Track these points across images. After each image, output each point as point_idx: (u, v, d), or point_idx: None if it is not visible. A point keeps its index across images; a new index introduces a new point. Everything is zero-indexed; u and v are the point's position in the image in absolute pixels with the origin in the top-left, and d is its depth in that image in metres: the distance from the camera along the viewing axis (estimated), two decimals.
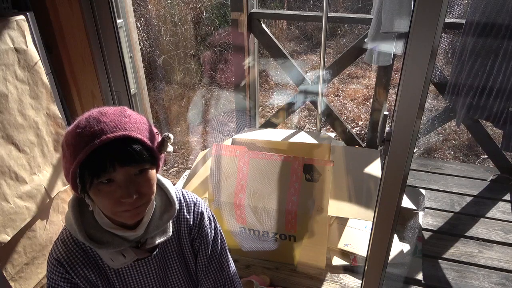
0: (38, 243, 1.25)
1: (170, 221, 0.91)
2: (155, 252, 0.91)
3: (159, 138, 0.82)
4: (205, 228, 0.98)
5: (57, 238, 0.88)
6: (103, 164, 0.72)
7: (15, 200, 1.13)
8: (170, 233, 0.91)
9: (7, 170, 1.10)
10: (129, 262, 0.86)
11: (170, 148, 0.82)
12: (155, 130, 0.83)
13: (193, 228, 0.96)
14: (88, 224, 0.83)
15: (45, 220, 1.29)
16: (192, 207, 0.97)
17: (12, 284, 1.15)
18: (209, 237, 0.99)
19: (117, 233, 0.83)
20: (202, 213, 0.98)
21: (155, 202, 0.89)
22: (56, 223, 1.34)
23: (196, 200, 0.98)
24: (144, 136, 0.77)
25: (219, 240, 1.02)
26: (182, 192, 0.98)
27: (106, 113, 0.76)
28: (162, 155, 0.83)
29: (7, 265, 1.13)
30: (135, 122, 0.78)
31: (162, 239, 0.89)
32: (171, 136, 0.82)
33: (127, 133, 0.74)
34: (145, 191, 0.79)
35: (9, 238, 1.10)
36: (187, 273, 1.00)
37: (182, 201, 0.96)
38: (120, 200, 0.75)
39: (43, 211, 1.26)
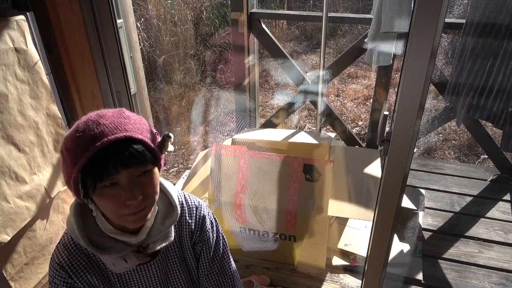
0: (38, 243, 1.25)
1: (172, 226, 0.90)
2: (157, 257, 0.90)
3: (159, 138, 0.82)
4: (207, 232, 0.97)
5: (59, 242, 0.87)
6: (106, 167, 0.71)
7: (15, 200, 1.13)
8: (172, 238, 0.90)
9: (7, 170, 1.10)
10: (131, 267, 0.85)
11: (171, 147, 0.82)
12: (154, 130, 0.83)
13: (195, 233, 0.96)
14: (90, 230, 0.83)
15: (45, 220, 1.29)
16: (194, 211, 0.96)
17: (12, 284, 1.15)
18: (211, 241, 0.98)
19: (119, 238, 0.83)
20: (204, 217, 0.97)
21: (157, 207, 0.88)
22: (56, 223, 1.33)
23: (198, 204, 0.97)
24: (145, 137, 0.76)
25: (221, 244, 1.01)
26: (184, 195, 0.97)
27: (105, 115, 0.75)
28: (163, 154, 0.83)
29: (7, 265, 1.13)
30: (135, 122, 0.77)
31: (164, 244, 0.88)
32: (171, 135, 0.81)
33: (128, 134, 0.73)
34: (150, 192, 0.78)
35: (9, 238, 1.10)
36: (189, 277, 0.99)
37: (184, 205, 0.95)
38: (125, 203, 0.74)
39: (43, 211, 1.26)
